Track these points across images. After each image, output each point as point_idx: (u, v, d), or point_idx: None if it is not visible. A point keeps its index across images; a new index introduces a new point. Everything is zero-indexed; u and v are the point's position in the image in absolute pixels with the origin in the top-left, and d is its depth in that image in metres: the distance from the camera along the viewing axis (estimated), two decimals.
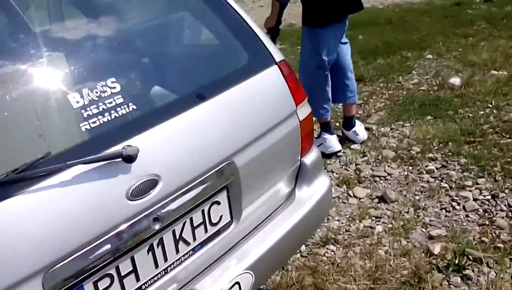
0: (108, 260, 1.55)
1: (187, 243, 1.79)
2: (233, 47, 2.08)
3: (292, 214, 2.13)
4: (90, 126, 1.54)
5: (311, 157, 2.25)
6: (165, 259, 1.73)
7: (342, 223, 3.16)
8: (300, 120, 2.13)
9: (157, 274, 1.71)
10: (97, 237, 1.50)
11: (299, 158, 2.20)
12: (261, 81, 2.02)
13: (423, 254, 2.76)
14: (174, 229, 1.73)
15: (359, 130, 4.08)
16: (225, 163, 1.82)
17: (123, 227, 1.55)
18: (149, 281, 1.69)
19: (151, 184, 1.60)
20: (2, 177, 1.35)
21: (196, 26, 2.24)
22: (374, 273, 2.65)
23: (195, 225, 1.80)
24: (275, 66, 2.06)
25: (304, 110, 2.17)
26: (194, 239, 1.81)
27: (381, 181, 3.52)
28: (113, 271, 1.59)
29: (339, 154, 3.96)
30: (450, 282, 2.55)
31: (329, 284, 2.61)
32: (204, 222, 1.83)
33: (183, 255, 1.79)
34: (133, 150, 1.52)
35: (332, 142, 3.92)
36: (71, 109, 1.53)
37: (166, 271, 1.74)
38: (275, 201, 2.15)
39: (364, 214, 3.18)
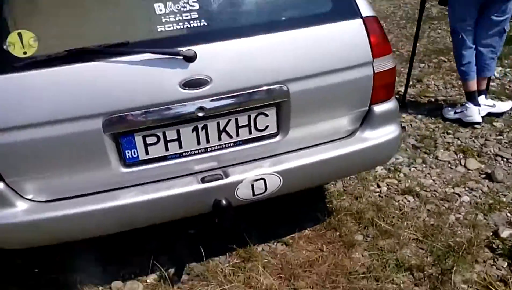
0: (157, 124, 2.08)
1: (229, 136, 2.22)
2: None
3: (343, 146, 2.39)
4: (165, 29, 2.03)
5: (383, 107, 2.41)
6: (207, 141, 2.19)
7: (435, 183, 3.25)
8: (376, 72, 2.31)
9: (198, 149, 2.20)
10: (150, 105, 2.03)
11: (368, 104, 2.39)
12: (339, 29, 2.26)
13: (489, 233, 2.77)
14: (219, 122, 2.17)
15: (472, 111, 3.95)
16: (278, 85, 2.17)
17: (171, 105, 2.05)
18: (190, 152, 2.19)
19: (203, 82, 2.05)
20: (96, 45, 1.95)
21: None
22: (429, 230, 2.78)
23: (239, 125, 2.22)
24: (359, 20, 2.27)
25: (384, 64, 2.33)
26: (237, 135, 2.23)
27: (502, 162, 3.45)
28: (160, 134, 2.11)
29: (476, 126, 3.91)
30: (495, 263, 2.58)
31: (385, 224, 2.83)
32: (249, 125, 2.23)
33: (224, 144, 2.23)
34: (193, 53, 2.00)
35: (473, 112, 3.88)
36: (154, 14, 2.03)
37: (206, 149, 2.21)
38: (332, 133, 2.40)
39: (461, 183, 3.22)
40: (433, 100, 4.52)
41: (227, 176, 2.19)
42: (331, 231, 2.83)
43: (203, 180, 2.17)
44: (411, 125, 4.04)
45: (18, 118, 1.92)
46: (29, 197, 2.07)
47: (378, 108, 2.41)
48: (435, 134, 3.86)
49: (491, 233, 2.78)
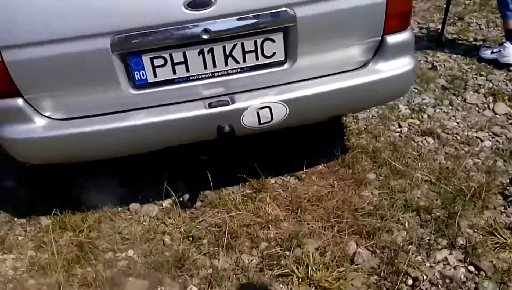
0: (163, 45, 2.13)
1: (236, 61, 2.24)
2: None
3: (354, 77, 2.37)
4: None
5: (397, 38, 2.35)
6: (214, 65, 2.22)
7: (459, 126, 3.21)
8: None
9: (205, 74, 2.24)
10: (155, 26, 2.08)
11: (381, 34, 2.33)
12: None
13: (505, 180, 2.75)
14: (225, 46, 2.19)
15: (510, 51, 3.79)
16: (283, 9, 2.16)
17: (176, 26, 2.09)
18: (197, 76, 2.24)
19: (206, 3, 2.07)
20: None
21: None
22: (444, 173, 2.79)
23: (246, 50, 2.23)
24: None
25: None
26: (244, 60, 2.25)
27: None
28: (167, 56, 2.17)
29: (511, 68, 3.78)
30: (505, 210, 2.58)
31: (399, 164, 2.85)
32: (255, 51, 2.24)
33: (231, 69, 2.25)
34: None
35: (510, 52, 3.72)
36: None
37: (213, 74, 2.25)
38: (343, 63, 2.37)
39: (485, 127, 3.17)
40: (472, 39, 4.36)
41: (233, 102, 2.25)
42: (344, 168, 2.87)
43: (210, 106, 2.23)
44: (444, 65, 3.93)
45: (32, 35, 2.03)
46: (47, 114, 2.21)
47: (392, 39, 2.35)
48: (467, 75, 3.76)
49: (508, 180, 2.76)
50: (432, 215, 2.54)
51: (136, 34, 2.09)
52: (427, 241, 2.41)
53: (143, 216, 2.64)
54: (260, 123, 2.28)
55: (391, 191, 2.69)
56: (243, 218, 2.55)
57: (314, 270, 2.24)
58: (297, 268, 2.27)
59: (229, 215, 2.55)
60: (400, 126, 3.23)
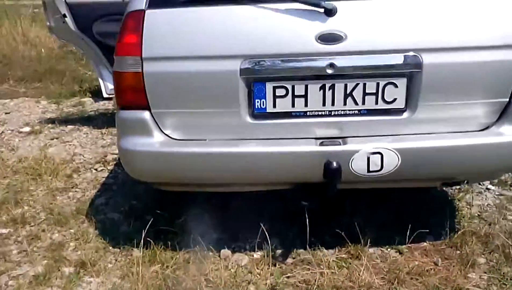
0: (287, 76, 2.22)
1: (355, 102, 2.24)
2: None
3: (474, 136, 2.26)
4: None
5: None
6: (332, 103, 2.24)
7: None
8: None
9: (322, 110, 2.26)
10: (286, 54, 2.19)
11: (509, 96, 2.23)
12: (488, 4, 2.19)
13: None
14: (347, 84, 2.22)
15: None
16: (411, 53, 2.16)
17: (304, 57, 2.19)
18: (314, 112, 2.27)
19: (337, 38, 2.16)
20: None
21: None
22: None
23: (367, 92, 2.23)
24: None
25: None
26: (363, 102, 2.24)
27: None
28: (289, 87, 2.24)
29: None
30: None
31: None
32: (376, 94, 2.23)
33: (349, 110, 2.25)
34: (333, 6, 2.13)
35: None
36: None
37: (330, 113, 2.26)
38: (465, 122, 2.28)
39: None
40: None
41: (345, 143, 2.23)
42: (451, 249, 2.64)
43: (321, 144, 2.24)
44: None
45: (172, 50, 2.24)
46: (167, 132, 2.34)
47: None
48: None
49: None
50: None
51: (265, 60, 2.20)
52: None
53: (232, 263, 2.58)
54: (368, 170, 2.21)
55: (503, 278, 2.41)
56: (335, 279, 2.40)
57: None
58: None
59: (319, 271, 2.41)
60: None
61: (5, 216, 3.08)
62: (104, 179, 3.58)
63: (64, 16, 4.17)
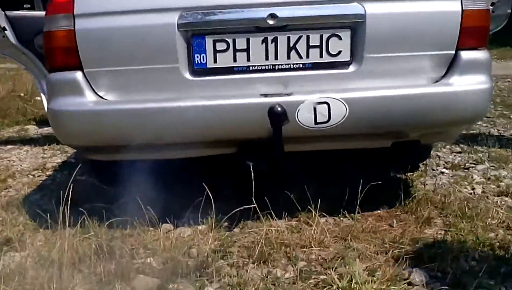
0: (228, 28, 2.13)
1: (299, 55, 2.16)
2: None
3: (422, 87, 2.19)
4: None
5: (472, 54, 2.20)
6: (276, 57, 2.15)
7: None
8: (464, 9, 2.14)
9: (265, 65, 2.16)
10: (224, 6, 2.11)
11: (455, 48, 2.18)
12: None
13: None
14: (289, 37, 2.14)
15: None
16: (354, 3, 2.12)
17: (244, 8, 2.12)
18: (257, 66, 2.17)
19: None
20: None
21: None
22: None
23: (311, 45, 2.15)
24: None
25: (475, 3, 2.16)
26: (307, 56, 2.16)
27: None
28: (230, 40, 2.14)
29: None
30: None
31: (471, 212, 2.46)
32: (320, 47, 2.15)
33: (293, 64, 2.17)
34: None
35: None
36: None
37: (273, 67, 2.17)
38: (413, 76, 2.21)
39: None
40: None
41: (290, 95, 2.12)
42: (406, 214, 2.52)
43: (265, 96, 2.13)
44: None
45: (105, 4, 2.14)
46: (100, 93, 2.20)
47: (466, 55, 2.18)
48: None
49: None
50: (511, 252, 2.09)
51: (204, 13, 2.11)
52: (503, 270, 1.95)
53: (174, 235, 2.36)
54: (316, 122, 2.09)
55: (460, 231, 2.27)
56: (284, 238, 2.22)
57: (360, 283, 1.84)
58: (339, 279, 1.88)
59: (266, 232, 2.21)
60: (473, 189, 2.87)
61: None
62: (41, 181, 3.35)
63: (4, 29, 4.04)
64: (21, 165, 3.76)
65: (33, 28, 4.08)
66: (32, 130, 5.07)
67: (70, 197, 2.23)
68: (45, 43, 2.26)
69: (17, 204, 2.85)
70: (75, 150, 3.91)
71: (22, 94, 7.14)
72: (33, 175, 3.49)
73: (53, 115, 2.28)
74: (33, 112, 5.81)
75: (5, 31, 4.04)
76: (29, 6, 4.46)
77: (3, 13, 4.03)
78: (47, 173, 3.52)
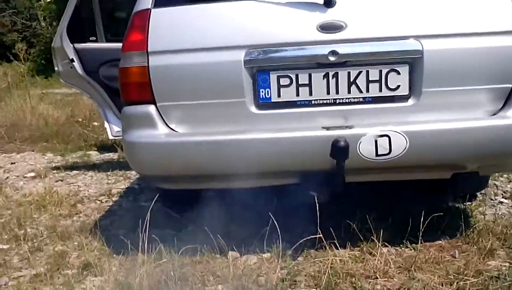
0: (291, 65, 2.26)
1: (359, 89, 2.26)
2: None
3: (480, 120, 2.24)
4: None
5: None
6: (337, 91, 2.26)
7: None
8: None
9: (326, 99, 2.27)
10: (288, 43, 2.25)
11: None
12: None
13: None
14: (350, 72, 2.24)
15: None
16: (411, 40, 2.21)
17: (307, 46, 2.24)
18: (318, 100, 2.28)
19: (338, 26, 2.22)
20: None
21: None
22: None
23: (370, 79, 2.25)
24: None
25: None
26: (367, 90, 2.26)
27: None
28: (293, 76, 2.27)
29: None
30: None
31: None
32: (379, 81, 2.25)
33: (353, 98, 2.27)
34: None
35: None
36: None
37: (334, 101, 2.27)
38: (470, 109, 2.27)
39: None
40: None
41: (350, 128, 2.21)
42: (468, 245, 2.55)
43: (328, 129, 2.22)
44: None
45: (179, 42, 2.31)
46: (172, 126, 2.35)
47: None
48: None
49: None
50: None
51: (269, 50, 2.24)
52: None
53: (241, 263, 2.47)
54: (377, 154, 2.17)
55: None
56: (348, 268, 2.29)
57: None
58: None
59: (331, 262, 2.29)
60: None
61: (6, 235, 3.00)
62: (108, 207, 3.52)
63: (72, 60, 4.29)
64: (88, 191, 3.96)
65: (98, 60, 4.34)
66: (94, 155, 5.30)
67: (146, 223, 2.36)
68: (121, 78, 2.43)
69: (90, 229, 3.01)
70: (137, 176, 4.12)
71: (80, 120, 7.44)
72: (100, 201, 3.68)
73: (127, 146, 2.43)
74: (93, 137, 6.07)
75: (73, 62, 4.30)
76: (95, 38, 4.68)
77: (72, 45, 4.29)
78: (113, 199, 3.70)
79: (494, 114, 2.27)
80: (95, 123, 7.10)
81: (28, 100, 8.58)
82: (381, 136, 2.16)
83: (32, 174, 4.55)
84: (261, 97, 2.30)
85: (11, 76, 11.54)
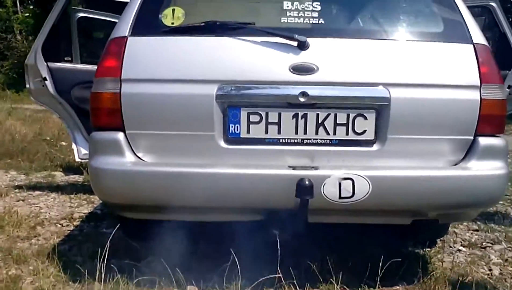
0: (262, 102, 2.31)
1: (327, 131, 2.31)
2: (432, 15, 2.47)
3: (441, 170, 2.33)
4: (287, 21, 2.36)
5: (490, 141, 2.34)
6: (305, 132, 2.31)
7: None
8: (482, 98, 2.30)
9: (294, 139, 2.32)
10: (261, 81, 2.30)
11: (474, 133, 2.33)
12: (448, 49, 2.37)
13: None
14: (318, 114, 2.30)
15: None
16: (379, 87, 2.28)
17: (278, 86, 2.30)
18: (287, 139, 2.32)
19: (310, 69, 2.28)
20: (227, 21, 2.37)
21: None
22: None
23: (338, 122, 2.31)
24: (470, 45, 2.35)
25: (492, 92, 2.32)
26: (334, 133, 2.31)
27: None
28: (263, 113, 2.31)
29: None
30: None
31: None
32: (347, 125, 2.31)
33: (321, 139, 2.32)
34: (305, 39, 2.27)
35: None
36: (281, 9, 2.39)
37: (302, 141, 2.32)
38: (433, 158, 2.35)
39: None
40: None
41: (316, 169, 2.25)
42: None
43: (294, 169, 2.26)
44: None
45: (153, 72, 2.34)
46: (139, 154, 2.35)
47: (484, 141, 2.32)
48: None
49: None
50: None
51: (241, 87, 2.29)
52: None
53: None
54: (340, 196, 2.21)
55: None
56: None
57: None
58: None
59: None
60: (490, 269, 2.93)
61: None
62: (69, 231, 3.46)
63: (45, 79, 4.26)
64: (49, 213, 3.89)
65: (71, 80, 4.32)
66: (59, 176, 5.23)
67: (104, 252, 2.33)
68: (92, 103, 2.43)
69: (47, 253, 2.95)
70: (101, 201, 4.06)
71: (48, 138, 7.35)
72: (61, 225, 3.62)
73: (93, 172, 2.41)
74: (60, 158, 5.99)
75: (46, 81, 4.26)
76: (70, 59, 4.67)
77: (45, 64, 4.26)
78: (75, 223, 3.65)
79: (455, 164, 2.35)
80: (63, 143, 7.03)
81: None
82: (345, 179, 2.21)
83: None
84: (230, 132, 2.32)
85: None
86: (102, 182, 2.39)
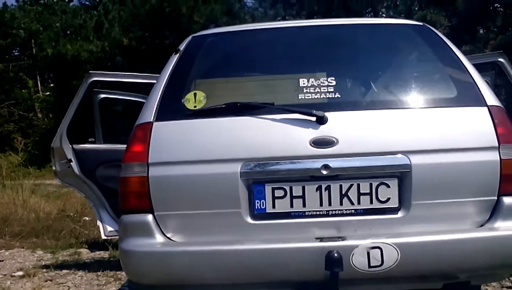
0: (286, 177, 2.36)
1: (351, 201, 2.34)
2: (445, 81, 2.55)
3: (469, 232, 2.33)
4: (304, 97, 2.46)
5: None
6: (329, 203, 2.34)
7: None
8: (502, 158, 2.34)
9: (319, 211, 2.35)
10: (283, 157, 2.36)
11: (497, 193, 2.34)
12: (463, 113, 2.43)
13: None
14: (341, 185, 2.34)
15: None
16: (399, 155, 2.34)
17: (300, 160, 2.35)
18: (312, 212, 2.35)
19: (330, 142, 2.34)
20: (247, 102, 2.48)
21: (418, 59, 2.75)
22: None
23: (361, 192, 2.34)
24: (485, 108, 2.41)
25: None
26: (359, 202, 2.34)
27: None
28: (287, 188, 2.35)
29: None
30: None
31: None
32: (370, 194, 2.34)
33: (345, 209, 2.35)
34: (323, 115, 2.35)
35: None
36: (297, 86, 2.50)
37: (327, 212, 2.35)
38: (458, 220, 2.36)
39: None
40: None
41: (343, 239, 2.27)
42: None
43: (321, 241, 2.28)
44: None
45: (179, 155, 2.41)
46: (168, 235, 2.39)
47: (509, 200, 2.33)
48: None
49: None
50: None
51: (264, 163, 2.35)
52: None
53: None
54: (369, 266, 2.22)
55: None
56: None
57: None
58: None
59: None
60: None
61: None
62: None
63: (70, 161, 4.39)
64: None
65: (95, 160, 4.45)
66: (85, 253, 5.28)
67: None
68: (121, 187, 2.49)
69: None
70: (128, 278, 4.09)
71: (72, 214, 7.45)
72: None
73: (123, 255, 2.45)
74: (84, 233, 6.06)
75: (71, 163, 4.39)
76: (93, 140, 4.82)
77: (71, 146, 4.40)
78: None
79: (481, 225, 2.35)
80: (86, 218, 7.12)
81: (20, 193, 8.62)
82: (373, 248, 2.22)
83: (21, 273, 4.52)
84: (256, 207, 2.36)
85: (6, 167, 11.59)
86: (133, 264, 2.42)
